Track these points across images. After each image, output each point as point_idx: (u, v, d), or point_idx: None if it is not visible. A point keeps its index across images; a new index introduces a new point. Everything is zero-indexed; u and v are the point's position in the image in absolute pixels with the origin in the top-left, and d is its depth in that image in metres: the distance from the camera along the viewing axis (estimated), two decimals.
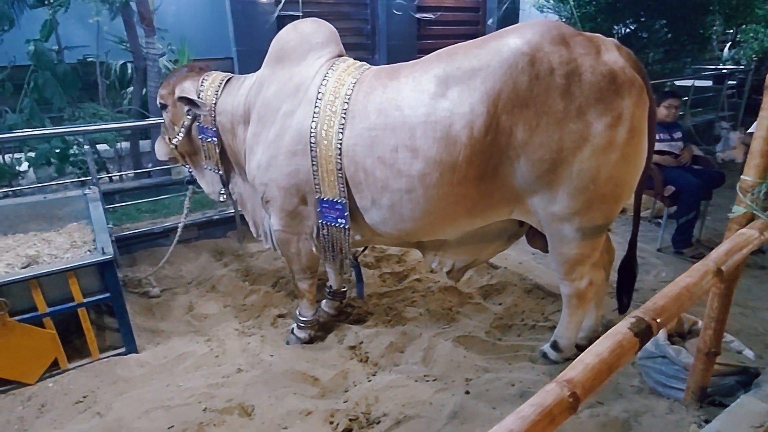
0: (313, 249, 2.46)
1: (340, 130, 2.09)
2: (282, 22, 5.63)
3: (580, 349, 2.45)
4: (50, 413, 2.27)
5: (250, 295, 3.27)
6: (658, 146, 4.03)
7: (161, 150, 2.80)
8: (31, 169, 3.95)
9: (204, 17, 4.93)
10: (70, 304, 2.38)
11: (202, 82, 2.52)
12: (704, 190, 3.77)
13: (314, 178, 2.20)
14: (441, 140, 1.91)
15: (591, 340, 2.52)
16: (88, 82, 3.99)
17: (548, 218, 2.00)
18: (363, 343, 2.67)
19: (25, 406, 2.30)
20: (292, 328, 2.75)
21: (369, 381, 2.42)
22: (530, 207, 2.02)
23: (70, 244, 2.79)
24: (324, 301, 3.00)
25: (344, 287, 2.98)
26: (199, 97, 2.50)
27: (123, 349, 2.62)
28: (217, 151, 2.57)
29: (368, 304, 3.10)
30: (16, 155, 3.88)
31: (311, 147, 2.15)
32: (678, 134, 4.09)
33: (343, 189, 2.17)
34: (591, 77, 1.77)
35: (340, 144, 2.09)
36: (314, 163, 2.17)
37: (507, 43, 1.86)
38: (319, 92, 2.16)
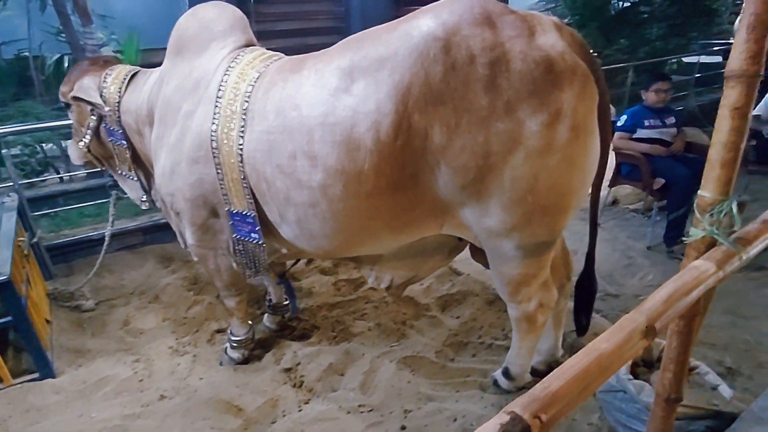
0: (233, 265, 2.18)
1: (240, 134, 1.78)
2: (247, 8, 5.28)
3: (538, 374, 2.16)
4: None
5: (193, 307, 3.02)
6: (647, 134, 3.67)
7: (74, 153, 2.50)
8: None
9: (159, 3, 4.60)
10: None
11: (105, 77, 2.22)
12: (697, 182, 3.41)
13: (221, 188, 1.91)
14: (341, 145, 1.59)
15: (550, 365, 2.25)
16: (24, 77, 3.71)
17: (483, 234, 1.69)
18: (300, 365, 2.41)
19: None
20: (226, 348, 2.50)
21: (299, 410, 2.17)
22: (462, 220, 1.71)
23: None
24: (265, 315, 2.74)
25: (286, 300, 2.71)
26: (101, 95, 2.21)
27: (37, 374, 2.39)
28: (128, 154, 2.29)
29: (316, 317, 2.83)
30: None
31: (213, 153, 1.85)
32: (671, 120, 3.71)
33: (250, 200, 1.88)
34: (521, 66, 1.43)
35: (241, 149, 1.79)
36: (219, 171, 1.87)
37: (418, 26, 1.52)
38: (219, 89, 1.85)
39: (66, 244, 3.29)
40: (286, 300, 2.71)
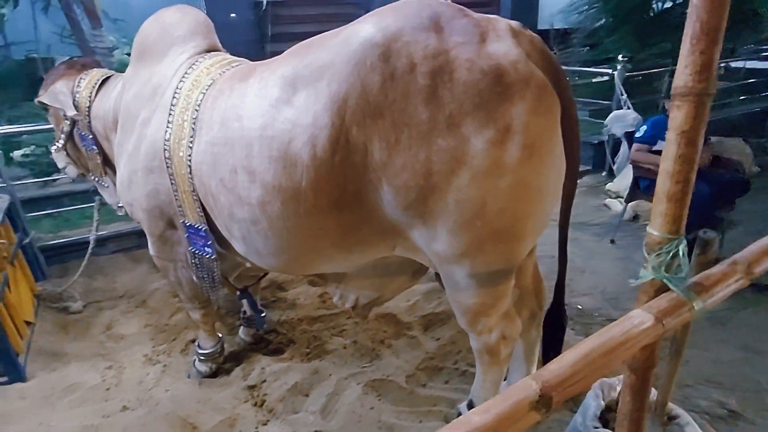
0: (194, 277, 2.11)
1: (189, 144, 1.72)
2: (264, 11, 5.28)
3: None
4: None
5: (176, 314, 2.99)
6: None
7: (59, 159, 2.47)
8: None
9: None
10: None
11: (78, 81, 2.21)
12: (717, 201, 3.12)
13: (176, 200, 1.84)
14: (278, 160, 1.48)
15: None
16: (35, 79, 3.81)
17: (434, 259, 1.54)
18: (266, 382, 2.32)
19: None
20: (194, 360, 2.44)
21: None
22: (414, 243, 1.56)
23: None
24: (241, 327, 2.67)
25: (262, 312, 2.63)
26: (75, 99, 2.19)
27: (5, 378, 2.39)
28: (99, 160, 2.26)
29: (295, 330, 2.73)
30: None
31: (166, 163, 1.79)
32: None
33: (201, 213, 1.81)
34: (466, 75, 1.28)
35: (190, 160, 1.72)
36: (173, 182, 1.81)
37: (357, 32, 1.40)
38: (174, 96, 1.79)
39: (62, 245, 3.33)
40: (262, 312, 2.63)
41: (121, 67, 4.02)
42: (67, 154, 2.41)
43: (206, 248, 1.88)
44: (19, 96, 3.67)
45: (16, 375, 2.39)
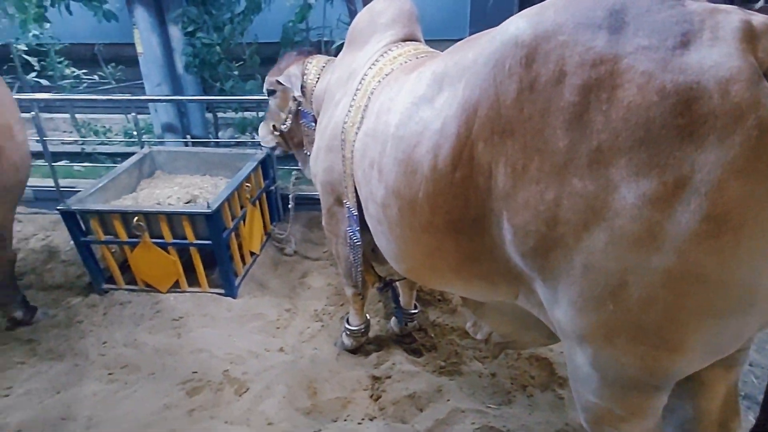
0: (350, 257, 2.22)
1: (356, 131, 1.76)
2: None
3: None
4: (156, 319, 2.86)
5: None
6: None
7: (265, 135, 2.86)
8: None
9: None
10: (185, 242, 2.87)
11: (306, 65, 2.50)
12: None
13: (344, 180, 1.95)
14: (401, 164, 1.38)
15: None
16: None
17: (556, 326, 1.21)
18: (390, 379, 2.31)
19: (148, 307, 2.96)
20: (343, 332, 2.61)
21: (359, 423, 2.11)
22: (539, 298, 1.25)
23: None
24: (393, 317, 2.70)
25: (415, 308, 2.60)
26: (303, 82, 2.50)
27: (224, 291, 3.03)
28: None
29: (443, 338, 2.63)
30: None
31: (342, 144, 1.89)
32: None
33: (354, 198, 1.87)
34: (634, 96, 0.88)
35: (353, 146, 1.77)
36: (343, 163, 1.91)
37: (507, 26, 1.12)
38: (360, 82, 1.85)
39: (299, 196, 3.96)
40: (416, 308, 2.61)
41: None
42: (276, 132, 2.76)
43: (354, 232, 1.94)
44: None
45: (231, 291, 3.01)
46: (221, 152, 3.72)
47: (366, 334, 2.55)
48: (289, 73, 2.51)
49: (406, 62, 1.76)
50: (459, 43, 1.43)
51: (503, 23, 1.18)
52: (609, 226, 0.94)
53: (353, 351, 2.56)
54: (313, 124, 2.51)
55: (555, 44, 1.00)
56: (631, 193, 0.90)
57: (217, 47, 4.22)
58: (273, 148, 2.97)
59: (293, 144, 2.82)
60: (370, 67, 1.84)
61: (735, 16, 0.88)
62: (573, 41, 0.98)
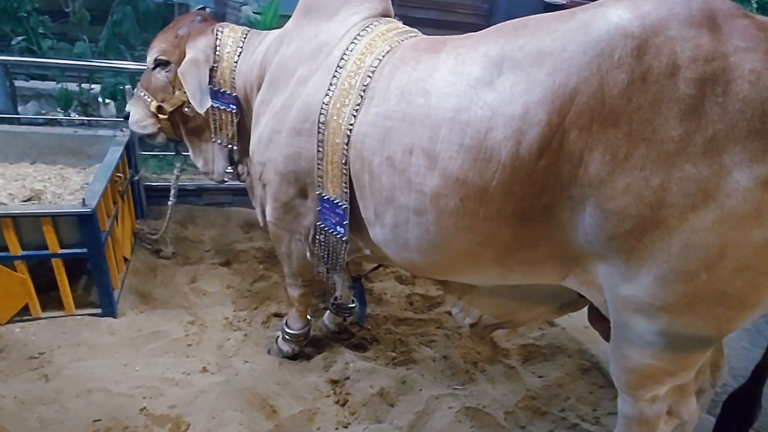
0: (307, 254, 1.97)
1: (354, 112, 1.55)
2: None
3: None
4: (3, 361, 2.09)
5: (259, 281, 2.90)
6: None
7: (142, 120, 2.28)
8: (112, 102, 3.92)
9: None
10: (44, 252, 2.15)
11: (217, 35, 2.09)
12: None
13: (318, 169, 1.69)
14: (470, 150, 1.29)
15: None
16: (167, 23, 3.83)
17: (617, 302, 1.29)
18: (349, 380, 2.15)
19: None
20: (278, 337, 2.32)
21: None
22: (594, 277, 1.33)
23: (81, 186, 2.61)
24: (327, 312, 2.52)
25: (353, 303, 2.47)
26: (216, 54, 2.08)
27: (99, 310, 2.38)
28: (235, 121, 2.14)
29: (380, 328, 2.56)
30: (94, 86, 3.84)
31: (319, 128, 1.64)
32: None
33: (346, 190, 1.64)
34: (749, 91, 1.02)
35: (350, 130, 1.56)
36: (320, 149, 1.66)
37: (605, 16, 1.16)
38: (342, 58, 1.64)
39: (164, 188, 3.32)
40: (353, 303, 2.47)
41: (247, 24, 4.00)
42: (163, 115, 2.22)
43: (339, 227, 1.72)
44: (151, 38, 3.71)
45: (110, 310, 2.37)
46: (61, 133, 2.87)
47: (308, 336, 2.32)
48: (201, 45, 2.06)
49: (403, 40, 1.63)
50: (502, 27, 1.38)
51: (585, 13, 1.20)
52: (719, 206, 1.06)
53: (292, 357, 2.31)
54: (234, 106, 2.12)
55: (665, 38, 1.09)
56: (744, 177, 1.03)
57: None
58: (151, 135, 2.38)
59: (186, 130, 2.29)
60: (354, 42, 1.65)
61: None
62: (682, 36, 1.08)
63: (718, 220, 1.06)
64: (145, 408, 1.93)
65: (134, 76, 3.33)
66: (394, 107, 1.45)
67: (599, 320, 1.62)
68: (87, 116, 3.63)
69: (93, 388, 2.01)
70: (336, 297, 2.45)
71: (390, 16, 1.83)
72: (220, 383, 2.09)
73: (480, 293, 1.82)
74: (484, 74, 1.30)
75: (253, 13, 3.96)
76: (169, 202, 2.69)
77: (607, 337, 1.50)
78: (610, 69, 1.11)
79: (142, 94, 2.25)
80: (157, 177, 3.47)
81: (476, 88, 1.30)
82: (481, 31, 1.45)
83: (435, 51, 1.46)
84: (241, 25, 3.31)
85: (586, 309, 1.76)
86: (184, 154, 2.47)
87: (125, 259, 2.72)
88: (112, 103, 3.91)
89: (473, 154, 1.28)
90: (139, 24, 3.66)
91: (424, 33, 1.80)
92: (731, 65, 1.04)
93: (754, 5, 4.44)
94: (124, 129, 2.87)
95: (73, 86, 3.72)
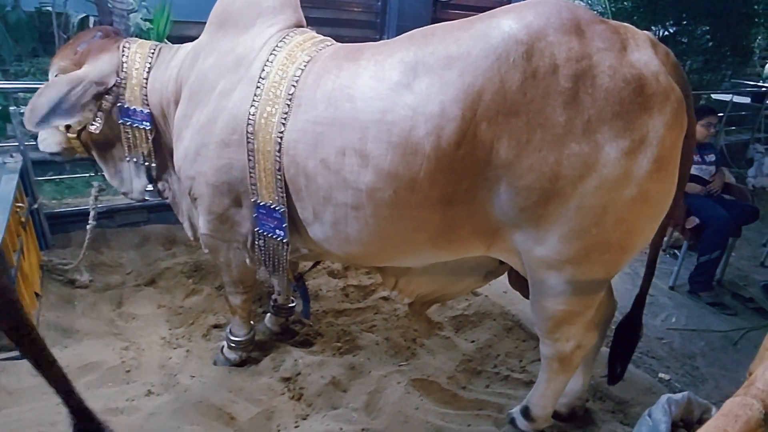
0: (247, 261, 2.01)
1: (282, 120, 1.62)
2: None
3: (560, 417, 1.99)
4: None
5: (191, 296, 2.85)
6: None
7: (51, 140, 2.19)
8: None
9: None
10: None
11: (123, 52, 2.04)
12: (734, 226, 3.24)
13: (250, 177, 1.74)
14: (398, 147, 1.44)
15: (573, 409, 2.08)
16: (45, 34, 3.54)
17: (532, 263, 1.53)
18: (300, 375, 2.23)
19: None
20: (222, 347, 2.32)
21: (296, 426, 2.00)
22: (512, 245, 1.55)
23: None
24: (267, 315, 2.57)
25: (292, 302, 2.54)
26: (122, 71, 2.02)
27: (17, 353, 2.21)
28: (150, 138, 2.09)
29: (321, 323, 2.66)
30: None
31: (248, 138, 1.68)
32: (711, 157, 3.54)
33: (282, 194, 1.71)
34: (609, 82, 1.29)
35: (281, 138, 1.63)
36: (251, 158, 1.70)
37: (498, 26, 1.38)
38: (264, 69, 1.69)
39: (67, 213, 3.11)
40: (293, 302, 2.54)
41: (138, 32, 3.81)
42: (72, 134, 2.13)
43: (278, 230, 1.78)
44: (27, 51, 3.40)
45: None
46: None
47: (253, 341, 2.35)
48: (103, 62, 2.00)
49: (321, 49, 1.72)
50: (412, 35, 1.54)
51: (482, 23, 1.40)
52: (598, 174, 1.33)
53: (240, 364, 2.33)
54: (148, 123, 2.08)
55: (546, 43, 1.34)
56: (613, 150, 1.31)
57: None
58: (55, 153, 2.27)
59: (97, 149, 2.22)
60: (273, 53, 1.72)
61: (640, 32, 1.42)
62: (558, 41, 1.34)
63: (599, 185, 1.33)
64: None
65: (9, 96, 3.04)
66: (323, 113, 1.55)
67: (518, 281, 1.87)
68: None
69: None
70: (275, 299, 2.50)
71: (303, 26, 1.91)
72: (169, 402, 2.06)
73: (415, 273, 1.99)
74: (402, 78, 1.45)
75: (143, 20, 3.78)
76: (88, 226, 2.56)
77: (526, 295, 1.75)
78: (507, 70, 1.33)
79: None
80: (58, 203, 3.23)
81: (396, 90, 1.44)
82: (393, 39, 1.61)
83: (354, 59, 1.58)
84: (130, 31, 3.18)
85: (506, 275, 2.01)
86: (100, 174, 2.37)
87: (36, 295, 2.53)
88: None
89: (401, 150, 1.43)
90: (11, 37, 3.34)
91: (320, 32, 1.91)
92: (595, 63, 1.30)
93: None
94: (14, 154, 2.65)
95: None
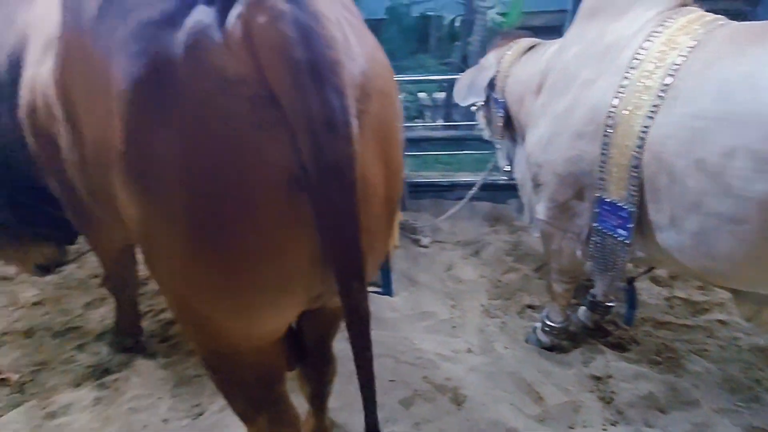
0: (578, 253, 2.06)
1: (650, 114, 1.54)
2: None
3: None
4: None
5: (509, 273, 3.11)
6: None
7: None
8: None
9: None
10: None
11: (507, 50, 2.36)
12: None
13: (600, 171, 1.75)
14: None
15: None
16: (423, 35, 4.30)
17: None
18: (612, 378, 2.20)
19: None
20: (535, 328, 2.48)
21: (604, 429, 2.00)
22: None
23: None
24: (582, 308, 2.58)
25: (611, 301, 2.47)
26: (497, 69, 2.35)
27: (380, 289, 2.90)
28: (501, 123, 2.39)
29: (638, 330, 2.51)
30: None
31: (605, 131, 1.68)
32: None
33: (634, 193, 1.65)
34: None
35: (645, 132, 1.56)
36: (604, 152, 1.70)
37: None
38: (635, 58, 1.63)
39: (420, 184, 3.80)
40: (612, 301, 2.48)
41: (492, 25, 4.20)
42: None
43: (620, 230, 1.75)
44: (410, 49, 4.23)
45: (388, 289, 2.86)
46: None
47: (566, 331, 2.43)
48: (493, 55, 2.37)
49: (712, 31, 1.53)
50: None
51: None
52: None
53: (549, 348, 2.45)
54: (502, 110, 2.35)
55: None
56: None
57: None
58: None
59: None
60: (648, 39, 1.63)
61: None
62: None
63: None
64: (426, 377, 2.31)
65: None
66: (710, 106, 1.39)
67: None
68: None
69: (383, 354, 2.48)
70: (593, 294, 2.49)
71: (688, 5, 1.74)
72: (485, 364, 2.36)
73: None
74: None
75: (497, 14, 4.15)
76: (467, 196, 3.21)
77: None
78: None
79: None
80: (414, 174, 3.97)
81: None
82: None
83: (762, 42, 1.36)
84: (487, 26, 3.62)
85: None
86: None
87: (395, 247, 3.23)
88: None
89: None
90: (404, 39, 4.22)
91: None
92: None
93: None
94: None
95: None
